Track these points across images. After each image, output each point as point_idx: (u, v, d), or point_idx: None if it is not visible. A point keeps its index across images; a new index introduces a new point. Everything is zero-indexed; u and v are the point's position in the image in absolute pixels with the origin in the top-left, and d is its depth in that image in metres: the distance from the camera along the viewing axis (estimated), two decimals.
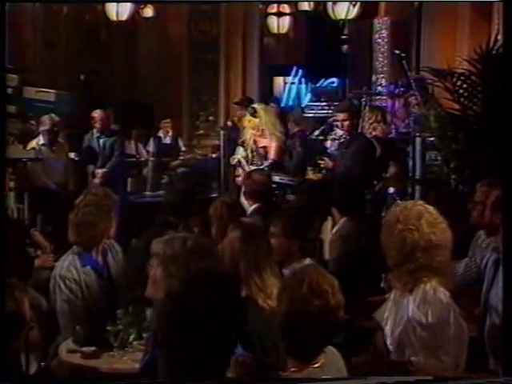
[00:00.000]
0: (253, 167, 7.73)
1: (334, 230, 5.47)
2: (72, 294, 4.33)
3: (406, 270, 3.38)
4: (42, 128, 8.61)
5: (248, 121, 8.17)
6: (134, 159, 11.11)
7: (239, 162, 8.06)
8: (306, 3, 12.24)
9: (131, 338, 4.00)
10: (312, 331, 2.72)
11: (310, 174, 7.75)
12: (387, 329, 3.43)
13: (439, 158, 6.66)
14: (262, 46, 13.38)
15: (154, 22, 12.51)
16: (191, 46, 12.97)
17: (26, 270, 4.75)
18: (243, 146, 8.13)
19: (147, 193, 10.60)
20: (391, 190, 7.03)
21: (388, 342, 3.38)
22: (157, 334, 2.37)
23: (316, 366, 2.75)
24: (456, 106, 6.24)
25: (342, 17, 10.74)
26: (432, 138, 6.73)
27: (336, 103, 11.07)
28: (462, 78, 6.12)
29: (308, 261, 4.29)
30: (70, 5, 11.70)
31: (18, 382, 3.06)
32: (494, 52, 6.01)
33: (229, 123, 10.65)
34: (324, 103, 13.08)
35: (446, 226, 3.42)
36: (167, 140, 11.71)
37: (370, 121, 9.46)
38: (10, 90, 7.13)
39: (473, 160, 5.94)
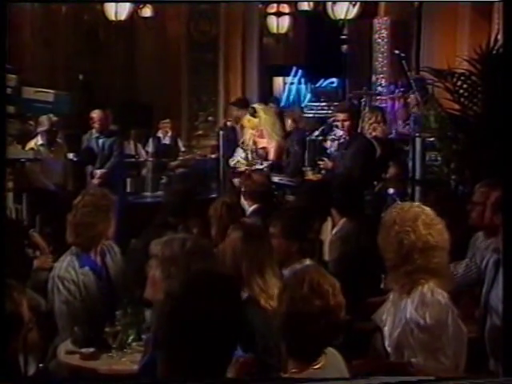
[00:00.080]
0: (252, 168, 7.73)
1: (334, 231, 5.46)
2: (70, 295, 4.31)
3: (404, 272, 3.37)
4: (40, 128, 8.60)
5: (247, 120, 8.18)
6: (133, 160, 11.07)
7: (238, 163, 8.06)
8: (306, 3, 12.23)
9: (130, 339, 3.99)
10: (312, 331, 2.71)
11: (310, 175, 7.73)
12: (386, 330, 3.43)
13: (439, 158, 6.65)
14: (262, 46, 13.37)
15: (153, 22, 12.51)
16: (190, 45, 12.92)
17: (25, 271, 4.72)
18: (243, 147, 8.13)
19: (146, 193, 10.56)
20: (391, 190, 7.00)
21: (387, 343, 3.39)
22: (156, 335, 2.36)
23: (316, 367, 2.75)
24: (456, 107, 6.24)
25: (342, 17, 10.71)
26: (432, 139, 6.71)
27: (336, 103, 11.03)
28: (462, 78, 6.12)
29: (308, 261, 4.28)
30: (68, 5, 11.70)
31: (17, 383, 3.05)
32: (494, 52, 6.01)
33: (228, 123, 10.63)
34: (324, 103, 13.02)
35: (443, 227, 3.41)
36: (166, 140, 11.69)
37: (370, 121, 9.43)
38: (8, 90, 7.10)
39: (473, 160, 5.93)
